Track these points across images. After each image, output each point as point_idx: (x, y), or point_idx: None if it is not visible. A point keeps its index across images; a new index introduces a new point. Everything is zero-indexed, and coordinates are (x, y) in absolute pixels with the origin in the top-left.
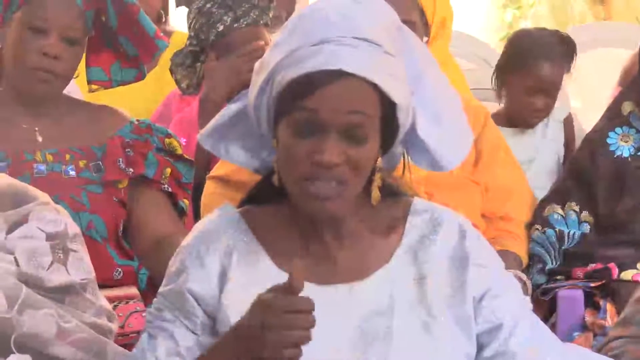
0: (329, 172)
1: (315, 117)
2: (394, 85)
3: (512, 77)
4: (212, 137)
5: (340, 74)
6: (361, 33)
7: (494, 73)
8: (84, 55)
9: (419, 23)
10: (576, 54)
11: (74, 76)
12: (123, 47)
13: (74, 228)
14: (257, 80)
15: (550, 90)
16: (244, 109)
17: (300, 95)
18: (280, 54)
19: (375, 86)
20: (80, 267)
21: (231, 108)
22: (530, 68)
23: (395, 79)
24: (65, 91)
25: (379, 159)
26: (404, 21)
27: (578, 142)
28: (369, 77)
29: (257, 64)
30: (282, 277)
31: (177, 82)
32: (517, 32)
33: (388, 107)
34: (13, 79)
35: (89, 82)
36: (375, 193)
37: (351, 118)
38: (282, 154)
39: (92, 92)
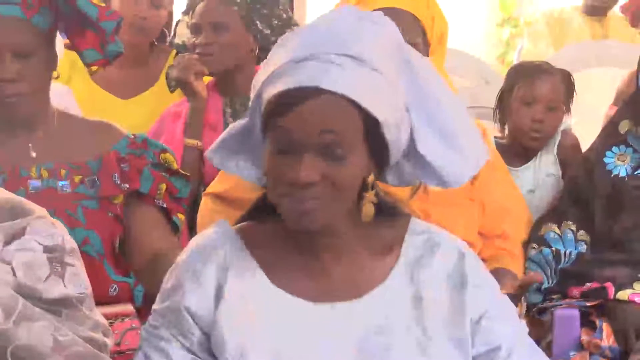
0: (306, 191)
1: (290, 137)
2: (377, 101)
3: (514, 95)
4: (219, 152)
5: (316, 92)
6: (345, 49)
7: (496, 105)
8: (73, 43)
9: (421, 44)
10: (575, 92)
11: (54, 77)
12: (103, 28)
13: (71, 243)
14: (251, 99)
15: (549, 103)
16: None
17: (278, 114)
18: (267, 70)
19: (355, 102)
20: (76, 282)
21: (238, 124)
22: (529, 80)
23: (380, 95)
24: (62, 106)
25: (371, 176)
26: (409, 44)
27: None
28: (346, 93)
29: (253, 82)
30: (278, 294)
31: (167, 78)
32: (515, 63)
33: (372, 123)
34: None
35: (87, 65)
36: (367, 209)
37: (325, 137)
38: (265, 171)
39: (93, 74)
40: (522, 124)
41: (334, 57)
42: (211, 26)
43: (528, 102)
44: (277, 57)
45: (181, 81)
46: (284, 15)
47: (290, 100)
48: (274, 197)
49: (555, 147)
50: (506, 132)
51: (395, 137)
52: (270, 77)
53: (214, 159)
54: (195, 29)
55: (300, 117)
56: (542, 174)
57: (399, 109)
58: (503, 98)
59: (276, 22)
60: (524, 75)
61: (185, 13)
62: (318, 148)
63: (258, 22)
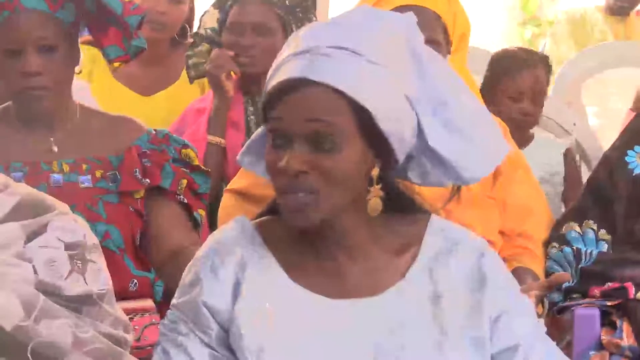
0: (296, 182)
1: (280, 126)
2: (369, 92)
3: (498, 89)
4: (248, 156)
5: (303, 83)
6: (340, 42)
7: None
8: (96, 39)
9: (443, 42)
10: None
11: (77, 72)
12: (128, 23)
13: (92, 238)
14: None
15: (535, 95)
16: None
17: (270, 106)
18: (273, 66)
19: (344, 93)
20: (97, 278)
21: (262, 128)
22: (513, 74)
23: (374, 87)
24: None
25: (375, 169)
26: (430, 41)
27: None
28: (333, 84)
29: None
30: (296, 290)
31: (187, 68)
32: (496, 52)
33: (364, 114)
34: (12, 101)
35: (110, 61)
36: (373, 203)
37: (312, 126)
38: (265, 165)
39: (115, 70)
40: (510, 117)
41: (328, 49)
42: (254, 27)
43: (514, 96)
44: (283, 54)
45: (212, 77)
46: (314, 19)
47: (280, 92)
48: (276, 195)
49: (562, 153)
50: None
51: (394, 129)
52: (272, 73)
53: (244, 162)
54: (234, 28)
55: (288, 107)
56: (541, 171)
57: (398, 100)
58: (489, 87)
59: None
60: (507, 69)
61: (216, 7)
62: (307, 138)
63: (293, 25)
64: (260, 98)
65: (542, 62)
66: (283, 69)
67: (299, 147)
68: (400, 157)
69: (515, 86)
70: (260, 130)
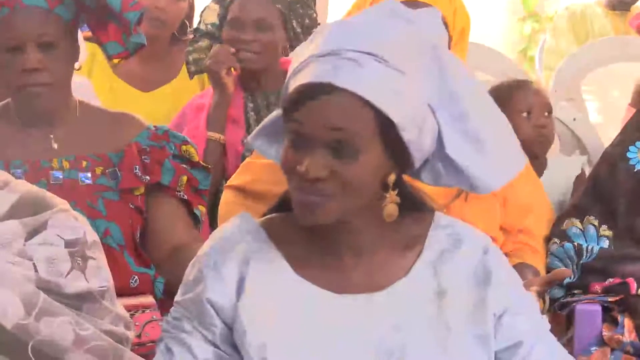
0: (313, 186)
1: (301, 130)
2: (393, 101)
3: (510, 107)
4: (260, 139)
5: (329, 88)
6: (367, 47)
7: None
8: (96, 35)
9: None
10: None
11: (76, 69)
12: (127, 19)
13: (92, 235)
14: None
15: (543, 107)
16: None
17: (292, 107)
18: (295, 63)
19: (369, 101)
20: (98, 275)
21: (276, 112)
22: (517, 94)
23: (398, 96)
24: (81, 97)
25: (391, 176)
26: None
27: None
28: (360, 92)
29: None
30: (302, 285)
31: (188, 63)
32: (492, 86)
33: (387, 123)
34: (12, 98)
35: (109, 57)
36: (389, 210)
37: (334, 134)
38: (280, 162)
39: (115, 66)
40: (527, 134)
41: (355, 54)
42: (255, 23)
43: (528, 110)
44: (305, 51)
45: (212, 72)
46: (314, 15)
47: (303, 95)
48: (289, 190)
49: (573, 179)
50: None
51: (415, 138)
52: (294, 71)
53: (255, 144)
54: (235, 24)
55: (311, 113)
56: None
57: (421, 109)
58: None
59: (307, 21)
60: (509, 92)
61: (217, 2)
62: (328, 144)
63: (294, 21)
64: (260, 95)
65: (534, 83)
66: (306, 70)
67: (319, 152)
68: (417, 164)
69: (522, 103)
70: (275, 114)
